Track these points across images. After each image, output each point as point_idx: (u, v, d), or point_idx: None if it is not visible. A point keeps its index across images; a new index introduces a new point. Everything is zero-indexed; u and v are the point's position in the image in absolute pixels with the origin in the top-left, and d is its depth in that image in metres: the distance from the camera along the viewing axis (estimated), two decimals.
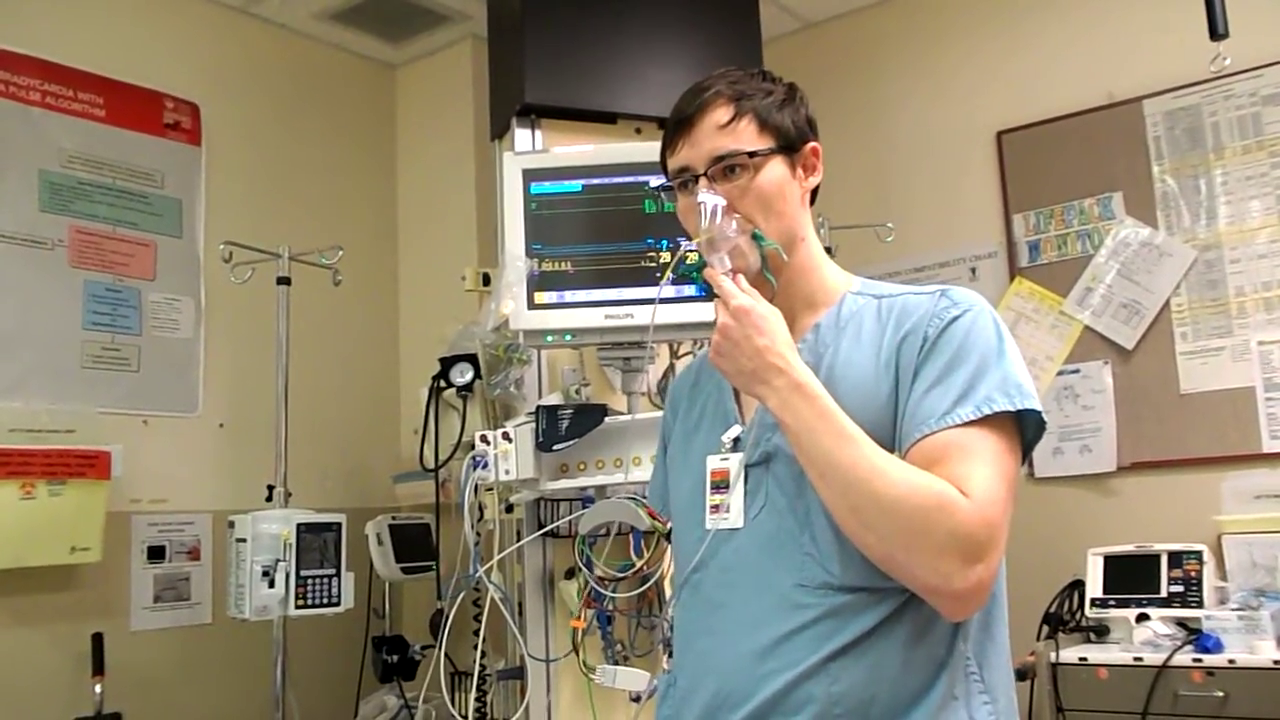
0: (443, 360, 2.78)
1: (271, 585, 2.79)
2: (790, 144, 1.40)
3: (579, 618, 2.27)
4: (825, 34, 3.96)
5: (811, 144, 1.42)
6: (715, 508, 1.38)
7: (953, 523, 1.17)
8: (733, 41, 2.78)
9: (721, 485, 1.38)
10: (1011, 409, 1.23)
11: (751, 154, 1.38)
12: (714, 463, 1.40)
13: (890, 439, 1.26)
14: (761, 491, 1.34)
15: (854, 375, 1.31)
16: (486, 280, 2.70)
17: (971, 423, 1.22)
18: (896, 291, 1.38)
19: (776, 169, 1.39)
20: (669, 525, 2.09)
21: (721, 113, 1.39)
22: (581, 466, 2.25)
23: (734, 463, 1.37)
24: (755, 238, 1.36)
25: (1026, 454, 1.30)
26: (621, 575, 2.18)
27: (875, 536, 1.21)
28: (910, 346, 1.29)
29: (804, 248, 1.42)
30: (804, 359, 1.32)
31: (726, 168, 1.38)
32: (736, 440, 1.39)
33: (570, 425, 2.20)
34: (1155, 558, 2.92)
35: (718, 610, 1.34)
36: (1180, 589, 2.85)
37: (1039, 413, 1.26)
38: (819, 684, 1.24)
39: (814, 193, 1.45)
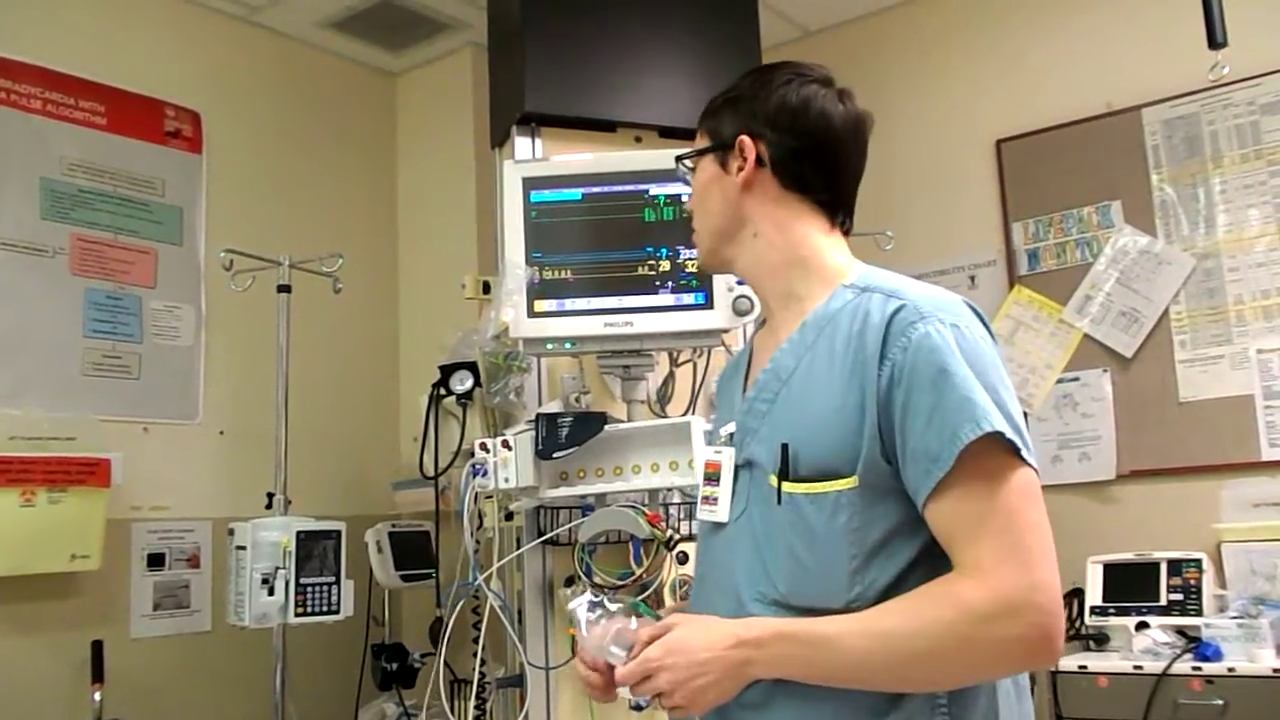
0: (442, 368, 2.78)
1: (271, 593, 2.79)
2: (721, 143, 1.41)
3: None
4: (825, 42, 3.96)
5: (740, 136, 1.38)
6: (705, 499, 1.39)
7: (983, 625, 1.13)
8: (732, 50, 2.79)
9: (713, 478, 1.38)
10: (973, 439, 1.15)
11: (678, 158, 1.45)
12: (708, 454, 1.40)
13: (852, 449, 1.22)
14: (744, 496, 1.34)
15: (817, 387, 1.27)
16: (486, 288, 2.70)
17: (952, 476, 1.16)
18: (877, 286, 1.30)
19: (706, 169, 1.43)
20: (668, 533, 2.11)
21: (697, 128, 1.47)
22: (581, 474, 2.25)
23: (725, 456, 1.37)
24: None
25: (1024, 448, 1.18)
26: (621, 583, 2.18)
27: (951, 682, 1.19)
28: (868, 375, 1.22)
29: (758, 243, 1.39)
30: (785, 362, 1.32)
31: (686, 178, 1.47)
32: (732, 435, 1.38)
33: (570, 433, 2.20)
34: (1154, 566, 2.92)
35: (699, 605, 1.36)
36: (1180, 597, 2.84)
37: (999, 432, 1.16)
38: (760, 708, 1.24)
39: (805, 180, 1.37)
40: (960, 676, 1.19)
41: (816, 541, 1.23)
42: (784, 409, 1.31)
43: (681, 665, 1.20)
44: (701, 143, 1.44)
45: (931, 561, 1.20)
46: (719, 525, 1.36)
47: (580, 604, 1.31)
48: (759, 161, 1.37)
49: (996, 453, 1.17)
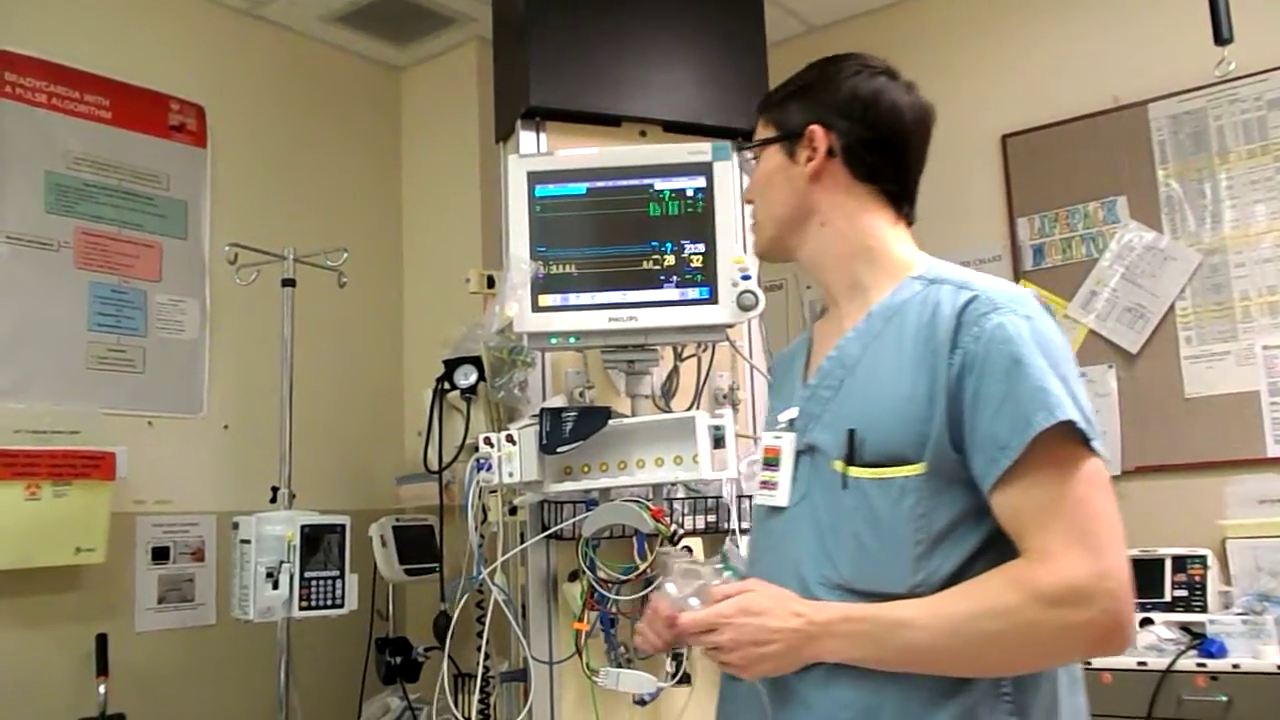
0: (447, 362, 2.78)
1: (275, 586, 2.79)
2: (789, 132, 1.41)
3: (582, 620, 2.27)
4: (830, 38, 3.96)
5: (811, 126, 1.39)
6: (764, 484, 1.39)
7: (1051, 611, 1.14)
8: (737, 45, 2.78)
9: (772, 462, 1.38)
10: (1046, 427, 1.17)
11: (741, 147, 1.46)
12: (767, 439, 1.41)
13: (920, 437, 1.23)
14: (805, 481, 1.34)
15: (885, 375, 1.28)
16: (491, 283, 2.69)
17: (1021, 464, 1.17)
18: (945, 278, 1.32)
19: (771, 159, 1.43)
20: (672, 528, 2.11)
21: (757, 118, 1.48)
22: (585, 469, 2.24)
23: (786, 442, 1.37)
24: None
25: (1095, 439, 1.20)
26: (625, 578, 2.18)
27: (1017, 667, 1.20)
28: (939, 364, 1.24)
29: (825, 232, 1.40)
30: (850, 350, 1.32)
31: (753, 169, 1.45)
32: (793, 420, 1.38)
33: (574, 428, 2.20)
34: (1159, 562, 2.91)
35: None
36: (1184, 593, 2.84)
37: (1071, 421, 1.18)
38: (823, 689, 1.25)
39: (874, 170, 1.39)
40: (1027, 662, 1.20)
41: (881, 526, 1.24)
42: (850, 396, 1.32)
43: (750, 627, 1.22)
44: (766, 132, 1.44)
45: (996, 550, 1.21)
46: (777, 510, 1.37)
47: (674, 557, 1.35)
48: (829, 152, 1.38)
49: (1068, 442, 1.18)
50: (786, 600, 1.25)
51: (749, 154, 1.46)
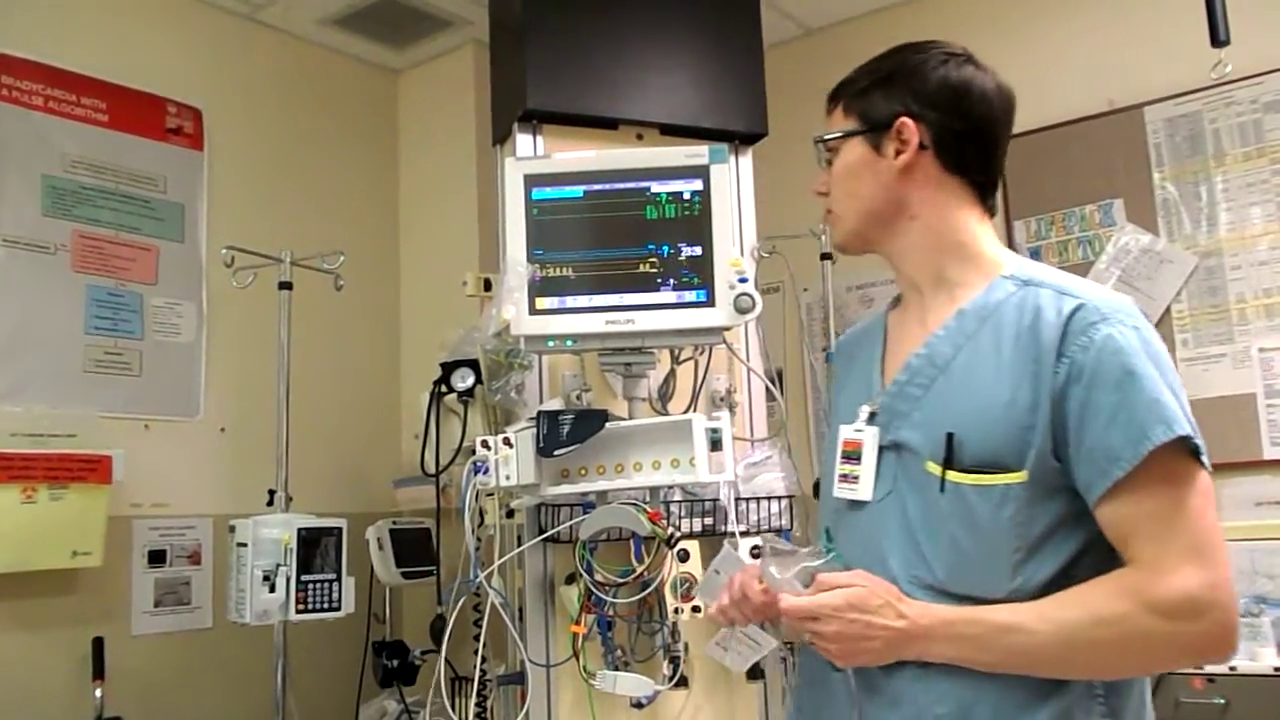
0: (444, 365, 2.78)
1: (272, 590, 2.79)
2: (875, 124, 1.37)
3: (579, 623, 2.27)
4: (827, 40, 3.96)
5: (901, 118, 1.35)
6: (844, 477, 1.37)
7: (1165, 621, 1.15)
8: (734, 48, 2.78)
9: (853, 456, 1.36)
10: (1166, 439, 1.17)
11: (819, 140, 1.40)
12: (847, 433, 1.38)
13: (1021, 444, 1.22)
14: (890, 476, 1.33)
15: (983, 379, 1.27)
16: (488, 285, 2.69)
17: (1134, 475, 1.17)
18: (1041, 280, 1.30)
19: (854, 151, 1.38)
20: (669, 531, 2.11)
21: (830, 107, 1.44)
22: (582, 472, 2.24)
23: (868, 436, 1.35)
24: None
25: (1204, 453, 1.21)
26: (622, 581, 2.18)
27: (1121, 673, 1.21)
28: (1043, 372, 1.23)
29: (915, 226, 1.37)
30: (941, 349, 1.30)
31: (826, 160, 1.42)
32: (873, 414, 1.37)
33: (571, 430, 2.19)
34: None
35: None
36: None
37: (1187, 435, 1.19)
38: (918, 684, 1.25)
39: (965, 162, 1.36)
40: (1134, 668, 1.22)
41: (980, 532, 1.23)
42: (943, 397, 1.30)
43: (858, 623, 1.22)
44: (846, 123, 1.41)
45: (1093, 556, 1.21)
46: (856, 503, 1.35)
47: (772, 539, 1.36)
48: (919, 145, 1.35)
49: (1181, 456, 1.19)
50: (893, 599, 1.24)
51: (823, 145, 1.43)
